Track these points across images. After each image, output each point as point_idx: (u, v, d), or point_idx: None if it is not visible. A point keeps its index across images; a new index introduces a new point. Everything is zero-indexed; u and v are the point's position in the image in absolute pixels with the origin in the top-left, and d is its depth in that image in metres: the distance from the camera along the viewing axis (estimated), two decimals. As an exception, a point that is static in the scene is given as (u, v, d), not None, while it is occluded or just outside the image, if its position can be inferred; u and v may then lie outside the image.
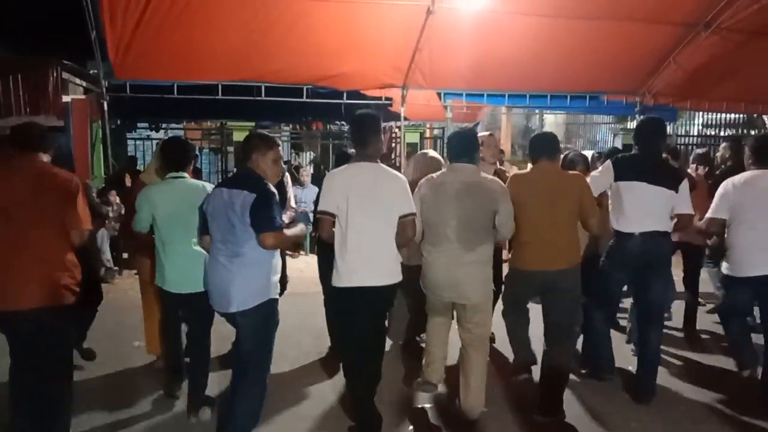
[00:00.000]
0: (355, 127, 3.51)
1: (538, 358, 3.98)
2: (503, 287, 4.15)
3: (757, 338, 4.23)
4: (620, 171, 3.92)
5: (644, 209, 3.88)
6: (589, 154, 5.45)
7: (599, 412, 3.86)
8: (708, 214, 4.13)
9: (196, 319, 3.74)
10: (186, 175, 3.77)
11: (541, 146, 3.81)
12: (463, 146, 3.63)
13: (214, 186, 3.46)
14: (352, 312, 3.42)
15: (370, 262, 3.31)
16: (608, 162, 4.02)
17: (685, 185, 3.91)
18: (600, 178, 4.01)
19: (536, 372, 3.99)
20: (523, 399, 3.95)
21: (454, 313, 3.80)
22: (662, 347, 4.20)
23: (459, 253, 3.49)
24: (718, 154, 6.22)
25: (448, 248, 3.51)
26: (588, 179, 3.98)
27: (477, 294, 3.59)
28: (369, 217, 3.28)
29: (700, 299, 5.60)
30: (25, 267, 2.93)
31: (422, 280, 3.70)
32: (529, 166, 3.94)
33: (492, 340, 4.91)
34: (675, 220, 3.99)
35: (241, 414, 3.16)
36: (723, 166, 5.63)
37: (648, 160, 3.96)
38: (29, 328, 2.97)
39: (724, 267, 4.14)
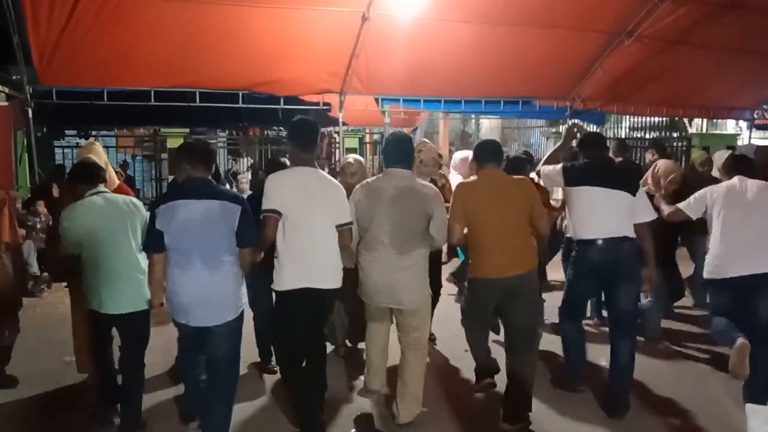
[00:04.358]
0: (298, 130, 3.52)
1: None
2: (464, 298, 4.13)
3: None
4: (569, 176, 3.96)
5: (599, 214, 3.89)
6: None
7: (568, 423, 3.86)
8: (680, 205, 4.26)
9: (135, 339, 3.62)
10: (105, 189, 3.69)
11: (488, 153, 3.79)
12: (399, 151, 3.65)
13: (159, 201, 3.35)
14: (294, 315, 3.44)
15: (314, 265, 3.36)
16: (560, 166, 4.08)
17: (642, 190, 4.03)
18: (553, 176, 4.09)
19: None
20: (463, 399, 4.03)
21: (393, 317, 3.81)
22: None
23: (394, 258, 3.50)
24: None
25: (383, 253, 3.51)
26: (542, 174, 4.16)
27: (412, 299, 3.60)
28: (313, 222, 3.34)
29: None
30: None
31: (359, 286, 3.69)
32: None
33: (432, 340, 4.99)
34: None
35: (219, 419, 3.27)
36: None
37: (602, 165, 4.04)
38: None
39: (706, 272, 4.11)
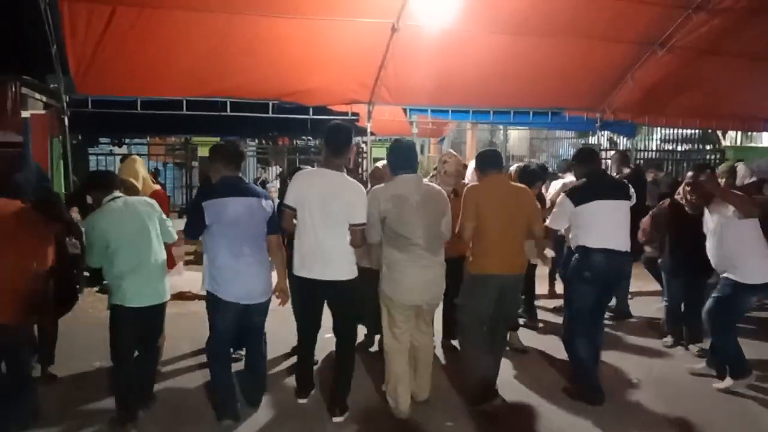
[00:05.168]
0: (333, 135, 3.83)
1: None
2: (461, 304, 4.14)
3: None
4: (577, 197, 4.14)
5: (606, 225, 4.10)
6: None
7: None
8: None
9: (155, 328, 3.93)
10: (120, 194, 3.90)
11: (489, 161, 4.12)
12: (408, 158, 3.91)
13: (205, 196, 3.64)
14: (304, 299, 3.90)
15: (324, 260, 3.69)
16: (562, 196, 4.29)
17: (632, 192, 4.33)
18: (559, 213, 4.24)
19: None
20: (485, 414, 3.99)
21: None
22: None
23: (428, 258, 3.77)
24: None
25: (419, 255, 3.74)
26: (551, 218, 4.33)
27: (442, 293, 3.97)
28: (326, 219, 3.66)
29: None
30: None
31: (389, 288, 3.79)
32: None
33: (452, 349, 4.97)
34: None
35: (262, 364, 4.01)
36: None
37: (599, 179, 4.29)
38: None
39: (733, 276, 4.26)
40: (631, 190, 4.32)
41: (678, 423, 3.91)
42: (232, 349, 4.08)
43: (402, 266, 3.75)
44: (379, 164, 5.01)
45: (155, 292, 3.77)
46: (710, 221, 4.42)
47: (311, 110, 7.81)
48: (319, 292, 3.79)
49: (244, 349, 4.15)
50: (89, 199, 4.66)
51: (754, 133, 14.38)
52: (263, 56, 6.66)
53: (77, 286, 5.91)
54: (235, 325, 3.74)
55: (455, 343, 5.04)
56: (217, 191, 3.65)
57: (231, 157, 3.75)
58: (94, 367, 4.65)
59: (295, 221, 3.76)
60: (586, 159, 4.40)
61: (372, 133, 8.58)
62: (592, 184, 4.21)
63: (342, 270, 3.74)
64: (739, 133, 14.25)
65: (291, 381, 4.35)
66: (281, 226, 3.83)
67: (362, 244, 3.78)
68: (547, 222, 4.30)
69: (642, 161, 12.91)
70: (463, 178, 5.18)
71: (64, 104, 6.68)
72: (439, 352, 4.99)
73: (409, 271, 3.74)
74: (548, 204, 5.33)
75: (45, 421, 3.72)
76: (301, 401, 4.04)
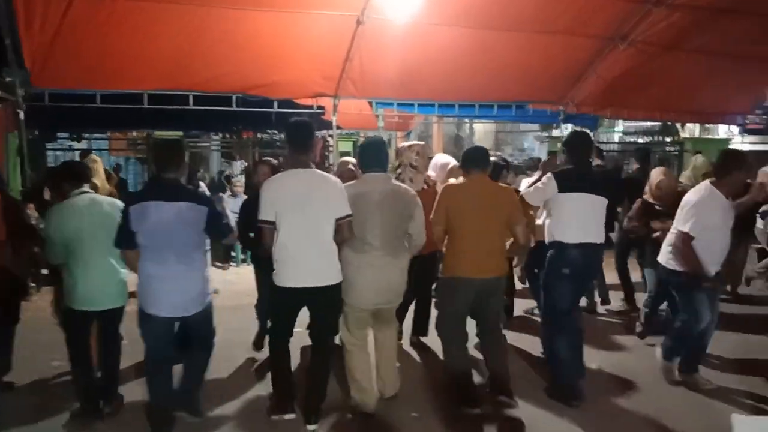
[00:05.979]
0: (293, 133, 3.63)
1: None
2: (439, 306, 4.15)
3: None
4: (563, 183, 4.04)
5: (584, 219, 4.04)
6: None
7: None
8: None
9: (114, 332, 3.77)
10: (89, 189, 3.76)
11: (475, 159, 3.97)
12: (376, 156, 3.78)
13: (131, 200, 3.38)
14: (287, 311, 3.64)
15: (310, 264, 3.47)
16: (549, 175, 4.14)
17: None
18: (541, 191, 4.13)
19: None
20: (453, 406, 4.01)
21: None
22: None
23: (384, 260, 3.64)
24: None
25: (373, 255, 3.62)
26: (531, 189, 4.21)
27: (400, 297, 3.89)
28: (307, 221, 3.43)
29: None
30: None
31: (346, 289, 3.67)
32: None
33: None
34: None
35: (199, 371, 3.73)
36: None
37: (584, 170, 4.17)
38: None
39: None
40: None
41: (648, 418, 3.95)
42: None
43: (356, 267, 3.64)
44: (347, 159, 4.95)
45: (109, 296, 3.63)
46: (723, 215, 4.16)
47: (276, 103, 7.72)
48: (304, 299, 3.57)
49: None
50: (47, 195, 4.53)
51: (711, 126, 14.80)
52: (229, 50, 6.54)
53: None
54: (168, 336, 3.49)
55: (424, 339, 5.06)
56: (143, 194, 3.46)
57: (165, 158, 3.47)
58: (53, 367, 4.54)
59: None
60: (577, 146, 4.24)
61: (338, 127, 8.54)
62: (579, 174, 4.10)
63: (330, 274, 3.54)
64: (698, 125, 14.64)
65: (261, 388, 4.29)
66: (262, 243, 3.54)
67: (350, 237, 3.56)
68: (525, 194, 4.20)
69: (605, 153, 13.14)
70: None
71: (20, 98, 6.46)
72: (409, 349, 5.00)
73: (362, 273, 3.63)
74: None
75: (2, 422, 3.62)
76: (288, 417, 3.73)
